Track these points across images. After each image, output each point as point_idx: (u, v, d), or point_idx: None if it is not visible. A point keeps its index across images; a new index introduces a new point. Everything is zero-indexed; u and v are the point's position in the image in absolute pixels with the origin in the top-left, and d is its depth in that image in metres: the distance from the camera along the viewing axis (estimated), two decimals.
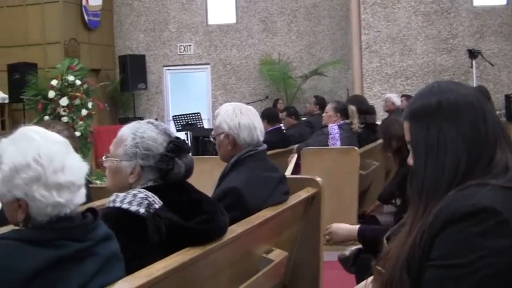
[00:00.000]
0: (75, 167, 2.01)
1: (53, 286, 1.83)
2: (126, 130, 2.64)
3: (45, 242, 1.86)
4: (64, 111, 9.42)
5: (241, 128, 3.39)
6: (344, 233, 3.35)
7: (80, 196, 2.02)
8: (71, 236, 1.93)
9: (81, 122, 9.45)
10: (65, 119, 9.28)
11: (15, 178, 1.90)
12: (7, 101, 13.43)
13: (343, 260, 3.41)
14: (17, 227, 2.02)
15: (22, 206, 1.92)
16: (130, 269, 2.15)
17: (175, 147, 2.57)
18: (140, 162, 2.56)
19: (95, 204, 3.64)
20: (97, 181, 8.99)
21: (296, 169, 7.09)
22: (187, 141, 2.67)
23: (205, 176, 3.89)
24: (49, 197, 1.90)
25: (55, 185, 1.92)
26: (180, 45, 16.88)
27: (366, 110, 7.90)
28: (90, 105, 9.74)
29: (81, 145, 8.59)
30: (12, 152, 1.94)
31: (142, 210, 2.36)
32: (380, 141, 7.77)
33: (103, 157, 2.74)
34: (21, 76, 12.27)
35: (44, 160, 1.92)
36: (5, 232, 1.98)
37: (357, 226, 3.36)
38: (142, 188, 2.50)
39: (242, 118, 3.40)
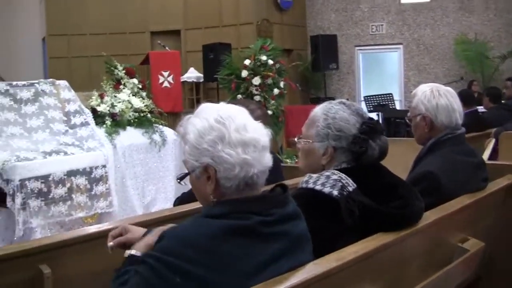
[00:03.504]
0: (258, 127, 2.01)
1: (238, 260, 1.85)
2: (318, 111, 2.61)
3: (229, 214, 1.90)
4: (257, 90, 9.61)
5: (439, 109, 3.26)
6: None
7: (267, 158, 2.01)
8: (253, 209, 1.93)
9: (272, 102, 9.59)
10: (257, 98, 9.47)
11: (201, 143, 1.94)
12: (202, 80, 14.02)
13: None
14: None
15: (210, 175, 1.95)
16: (320, 252, 2.12)
17: (368, 129, 2.50)
18: (332, 144, 2.52)
19: (287, 183, 3.68)
20: (287, 160, 9.13)
21: (493, 154, 6.77)
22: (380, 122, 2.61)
23: (397, 159, 3.78)
24: (235, 155, 1.91)
25: (239, 143, 1.93)
26: (372, 25, 16.65)
27: None
28: (282, 84, 9.85)
29: (273, 124, 8.74)
30: (195, 122, 1.99)
31: (335, 193, 2.32)
32: None
33: (296, 139, 2.72)
34: (215, 56, 12.75)
35: (226, 119, 1.96)
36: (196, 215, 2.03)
37: None
38: (336, 169, 2.45)
39: (440, 99, 3.27)
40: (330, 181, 2.35)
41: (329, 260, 2.05)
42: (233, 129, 1.94)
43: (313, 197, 2.34)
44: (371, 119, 2.58)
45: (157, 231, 2.16)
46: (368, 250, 2.18)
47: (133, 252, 2.15)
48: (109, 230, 2.91)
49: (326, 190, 2.33)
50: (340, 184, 2.34)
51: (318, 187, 2.36)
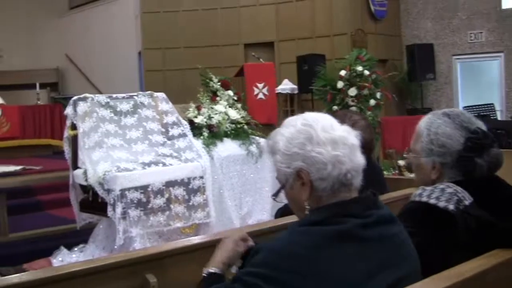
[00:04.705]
0: (345, 128, 2.00)
1: (338, 268, 1.79)
2: (422, 125, 2.54)
3: (325, 220, 1.86)
4: (353, 101, 9.50)
5: None
6: None
7: (359, 157, 1.97)
8: (350, 211, 1.89)
9: (369, 113, 9.45)
10: (353, 109, 9.36)
11: (290, 148, 1.95)
12: (296, 91, 14.00)
13: None
14: None
15: (304, 180, 1.93)
16: (433, 268, 2.04)
17: (472, 145, 2.38)
18: (437, 159, 2.44)
19: (391, 195, 3.59)
20: (385, 172, 8.96)
21: None
22: (488, 132, 2.41)
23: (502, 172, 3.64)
24: (325, 152, 1.90)
25: (328, 140, 1.92)
26: (470, 33, 16.18)
27: None
28: (378, 95, 9.70)
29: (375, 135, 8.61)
30: (283, 131, 2.01)
31: (451, 207, 2.22)
32: None
33: (405, 152, 2.71)
34: (309, 67, 12.72)
35: (311, 121, 1.97)
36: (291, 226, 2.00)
37: None
38: (450, 182, 2.35)
39: None
40: (445, 195, 2.26)
41: (446, 277, 1.97)
42: (320, 129, 1.94)
43: (427, 211, 2.26)
44: (477, 131, 2.43)
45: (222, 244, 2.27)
46: (487, 267, 2.09)
47: (211, 270, 2.17)
48: (212, 242, 2.92)
49: (441, 204, 2.24)
50: (456, 198, 2.24)
51: (432, 201, 2.27)
